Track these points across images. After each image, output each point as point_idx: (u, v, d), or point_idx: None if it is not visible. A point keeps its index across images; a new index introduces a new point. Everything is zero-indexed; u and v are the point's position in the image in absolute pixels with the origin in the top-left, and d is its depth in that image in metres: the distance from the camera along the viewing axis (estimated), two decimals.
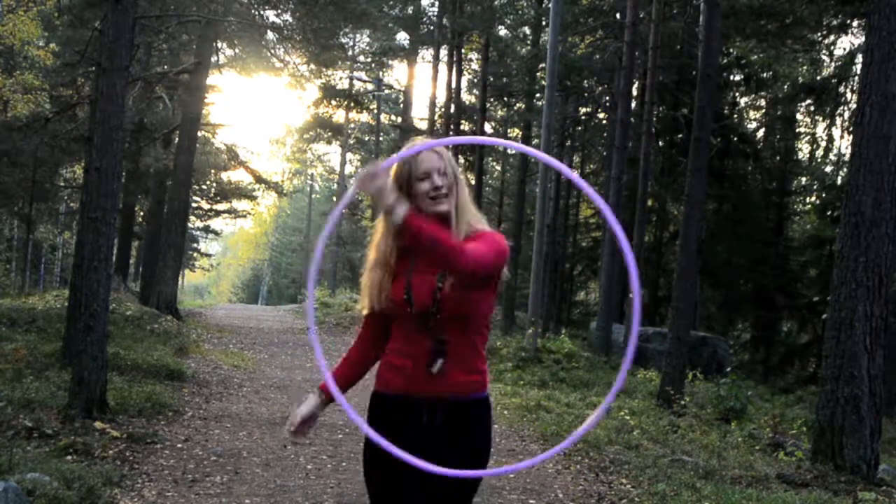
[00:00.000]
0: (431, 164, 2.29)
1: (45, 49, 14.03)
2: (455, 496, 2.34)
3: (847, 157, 19.25)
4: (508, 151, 29.09)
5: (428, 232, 2.09)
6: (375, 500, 2.37)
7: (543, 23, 20.62)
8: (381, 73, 31.14)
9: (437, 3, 24.81)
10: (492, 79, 23.10)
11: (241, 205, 32.49)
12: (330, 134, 33.07)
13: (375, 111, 29.52)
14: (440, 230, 2.14)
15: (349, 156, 39.49)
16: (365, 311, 2.44)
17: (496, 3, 22.84)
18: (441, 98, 25.55)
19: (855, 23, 15.70)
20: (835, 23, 15.93)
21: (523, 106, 24.90)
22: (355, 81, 30.46)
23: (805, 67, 20.87)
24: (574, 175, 2.30)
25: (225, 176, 28.83)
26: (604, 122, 22.84)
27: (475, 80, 27.26)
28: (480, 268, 2.18)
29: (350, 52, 29.44)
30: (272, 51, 18.06)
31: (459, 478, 2.26)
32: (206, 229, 37.70)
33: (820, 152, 26.56)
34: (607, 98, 21.25)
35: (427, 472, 2.16)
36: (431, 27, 25.30)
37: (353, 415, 2.22)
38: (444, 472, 2.17)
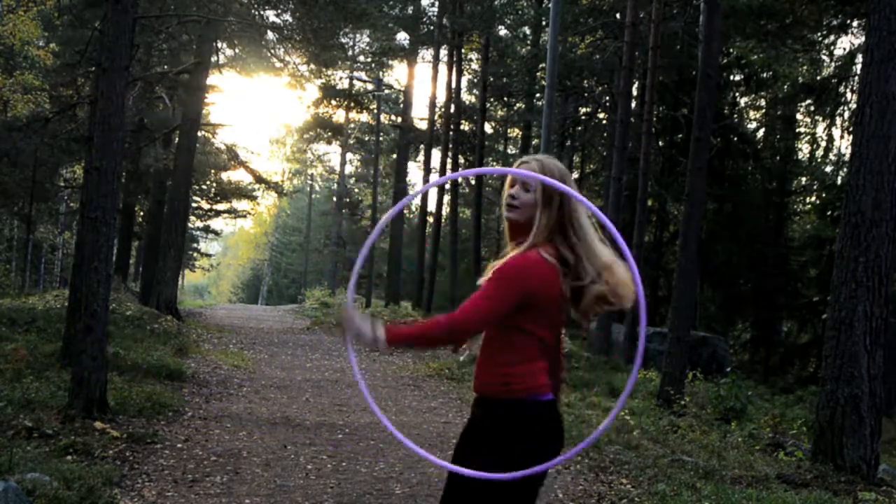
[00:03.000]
0: (520, 176, 2.48)
1: (45, 49, 14.03)
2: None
3: (847, 157, 19.26)
4: (508, 151, 29.11)
5: (405, 339, 2.36)
6: None
7: (543, 23, 20.63)
8: (381, 73, 31.12)
9: (437, 3, 24.81)
10: (492, 79, 23.10)
11: (241, 205, 32.50)
12: (330, 134, 33.06)
13: (375, 111, 29.50)
14: (412, 329, 2.37)
15: (349, 156, 39.54)
16: None
17: (496, 3, 22.83)
18: (441, 98, 25.56)
19: (855, 23, 15.71)
20: (835, 23, 15.93)
21: (523, 106, 24.92)
22: (355, 81, 30.45)
23: (805, 67, 20.86)
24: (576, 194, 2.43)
25: (225, 176, 28.84)
26: (604, 122, 22.84)
27: (475, 80, 27.27)
28: (463, 329, 2.35)
29: (350, 52, 29.43)
30: (272, 51, 18.05)
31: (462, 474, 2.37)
32: (206, 229, 37.70)
33: (820, 152, 26.57)
34: (607, 98, 21.26)
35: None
36: (431, 27, 25.29)
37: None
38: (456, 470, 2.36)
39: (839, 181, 20.77)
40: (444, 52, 25.61)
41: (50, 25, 14.16)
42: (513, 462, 2.33)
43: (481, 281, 2.42)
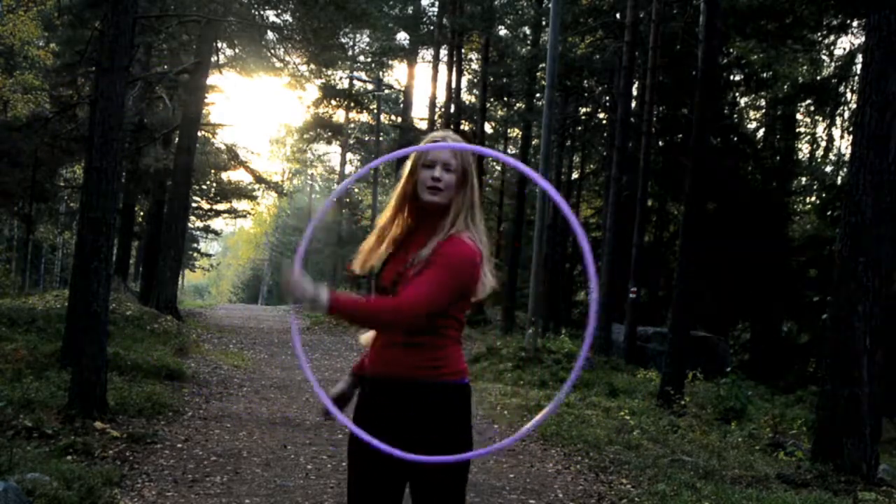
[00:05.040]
0: (440, 156, 2.35)
1: (44, 49, 14.02)
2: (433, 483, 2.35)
3: (847, 157, 19.26)
4: (509, 151, 29.10)
5: (348, 307, 2.20)
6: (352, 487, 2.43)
7: (543, 23, 20.62)
8: (381, 73, 31.15)
9: (437, 3, 24.83)
10: (492, 79, 23.11)
11: (241, 205, 32.51)
12: (330, 134, 33.08)
13: (375, 111, 29.52)
14: (358, 300, 2.24)
15: (349, 156, 39.52)
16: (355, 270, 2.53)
17: (496, 3, 22.85)
18: (441, 98, 25.57)
19: (855, 23, 15.71)
20: (835, 23, 15.94)
21: (523, 106, 24.90)
22: (355, 81, 30.45)
23: (805, 67, 20.87)
24: (553, 192, 2.31)
25: (225, 176, 28.83)
26: (604, 122, 22.84)
27: (475, 80, 27.28)
28: (412, 314, 2.21)
29: (350, 52, 29.44)
30: (272, 51, 18.05)
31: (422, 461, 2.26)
32: (206, 229, 37.70)
33: (820, 152, 26.57)
34: (607, 98, 21.26)
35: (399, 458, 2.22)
36: (431, 27, 25.31)
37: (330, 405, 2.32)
38: (417, 459, 2.21)
39: (839, 181, 20.77)
40: (444, 52, 25.62)
41: (50, 25, 14.15)
42: (469, 441, 2.36)
43: (423, 255, 2.29)
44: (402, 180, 2.43)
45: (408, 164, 2.42)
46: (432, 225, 2.36)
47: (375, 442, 2.20)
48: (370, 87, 29.59)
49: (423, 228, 2.38)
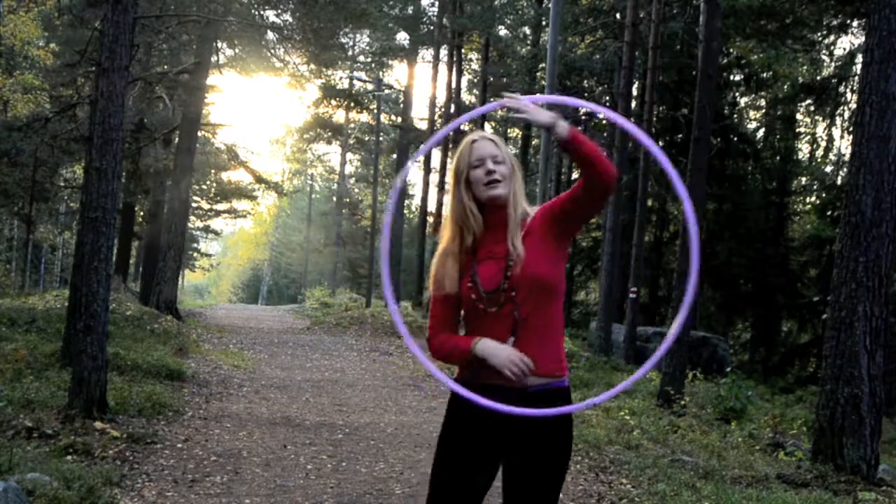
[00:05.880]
0: (485, 151, 2.36)
1: (44, 49, 14.01)
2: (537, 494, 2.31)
3: (847, 157, 19.25)
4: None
5: (583, 140, 2.19)
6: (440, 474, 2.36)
7: (543, 23, 20.63)
8: (381, 73, 31.12)
9: (437, 3, 24.82)
10: (492, 79, 23.11)
11: (241, 205, 32.52)
12: (330, 134, 33.07)
13: (375, 111, 29.51)
14: (596, 145, 2.22)
15: (349, 156, 39.53)
16: (433, 292, 2.46)
17: (496, 3, 22.84)
18: (441, 98, 25.56)
19: (855, 23, 15.71)
20: (835, 23, 15.93)
21: None
22: (355, 81, 30.44)
23: (805, 67, 20.85)
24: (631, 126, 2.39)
25: (225, 176, 28.85)
26: (604, 122, 22.83)
27: (475, 80, 27.29)
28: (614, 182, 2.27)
29: (350, 52, 29.44)
30: (272, 51, 18.05)
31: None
32: (206, 229, 37.72)
33: (820, 152, 26.57)
34: (607, 98, 21.24)
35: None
36: (431, 27, 25.30)
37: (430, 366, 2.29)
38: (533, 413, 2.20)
39: (839, 181, 20.77)
40: (444, 52, 25.62)
41: (50, 25, 14.13)
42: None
43: (517, 245, 2.31)
44: (452, 195, 2.39)
45: (451, 176, 2.40)
46: (501, 219, 2.35)
47: (483, 401, 2.17)
48: (370, 87, 29.57)
49: (493, 225, 2.36)
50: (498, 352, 2.22)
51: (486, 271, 2.31)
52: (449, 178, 2.42)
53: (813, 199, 24.28)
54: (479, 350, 2.24)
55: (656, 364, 2.17)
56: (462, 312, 2.39)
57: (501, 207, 2.34)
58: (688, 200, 2.29)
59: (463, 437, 2.32)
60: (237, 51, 18.88)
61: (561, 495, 5.39)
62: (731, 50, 20.01)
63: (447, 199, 2.43)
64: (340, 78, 29.75)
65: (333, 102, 29.99)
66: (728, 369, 12.72)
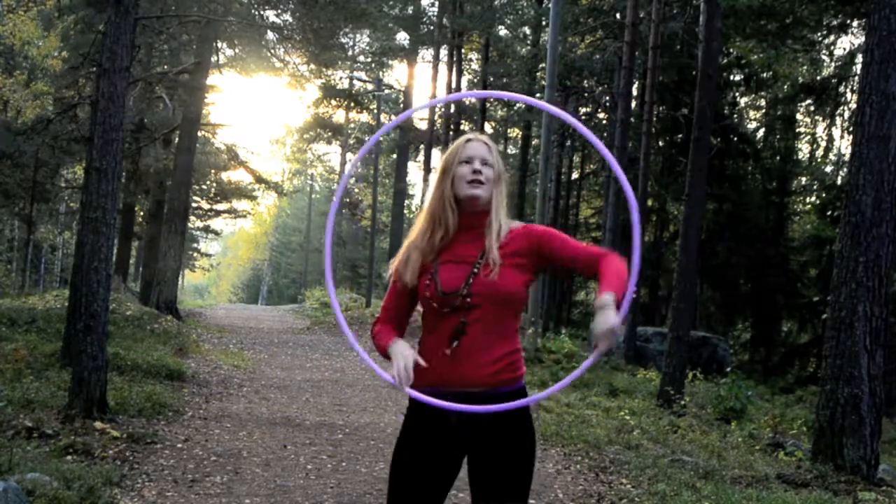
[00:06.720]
0: (476, 152, 2.35)
1: (57, 58, 13.91)
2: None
3: (847, 157, 19.26)
4: (509, 151, 29.10)
5: (623, 292, 2.13)
6: (396, 487, 2.33)
7: (543, 23, 20.62)
8: (381, 73, 31.14)
9: (437, 3, 24.82)
10: (492, 79, 23.11)
11: (241, 205, 32.50)
12: (330, 134, 33.06)
13: (375, 111, 29.52)
14: (618, 282, 2.16)
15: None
16: (392, 276, 2.42)
17: (496, 3, 22.84)
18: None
19: (855, 23, 15.72)
20: (835, 23, 15.95)
21: (523, 106, 24.90)
22: (355, 81, 30.45)
23: (805, 67, 20.87)
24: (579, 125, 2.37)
25: (225, 176, 28.84)
26: (604, 122, 22.84)
27: (475, 80, 27.27)
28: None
29: (350, 52, 29.44)
30: (272, 51, 18.06)
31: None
32: (206, 229, 37.70)
33: (820, 152, 26.58)
34: (607, 98, 21.26)
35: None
36: (431, 27, 25.30)
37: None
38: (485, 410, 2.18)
39: (839, 181, 20.77)
40: (444, 52, 25.62)
41: (65, 35, 14.02)
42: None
43: (493, 252, 2.27)
44: (435, 187, 2.37)
45: (438, 169, 2.39)
46: (475, 223, 2.33)
47: (437, 402, 2.17)
48: (370, 87, 29.58)
49: (466, 227, 2.33)
50: (396, 357, 2.24)
51: (448, 272, 2.29)
52: (435, 170, 2.40)
53: (813, 199, 24.29)
54: (390, 351, 2.29)
55: (597, 359, 2.13)
56: (421, 309, 2.39)
57: (478, 212, 2.33)
58: (626, 183, 2.32)
59: (417, 440, 2.33)
60: (237, 51, 18.89)
61: (561, 495, 5.41)
62: (731, 50, 20.01)
63: (429, 190, 2.40)
64: (340, 78, 29.75)
65: (333, 102, 29.98)
66: (728, 369, 12.73)
